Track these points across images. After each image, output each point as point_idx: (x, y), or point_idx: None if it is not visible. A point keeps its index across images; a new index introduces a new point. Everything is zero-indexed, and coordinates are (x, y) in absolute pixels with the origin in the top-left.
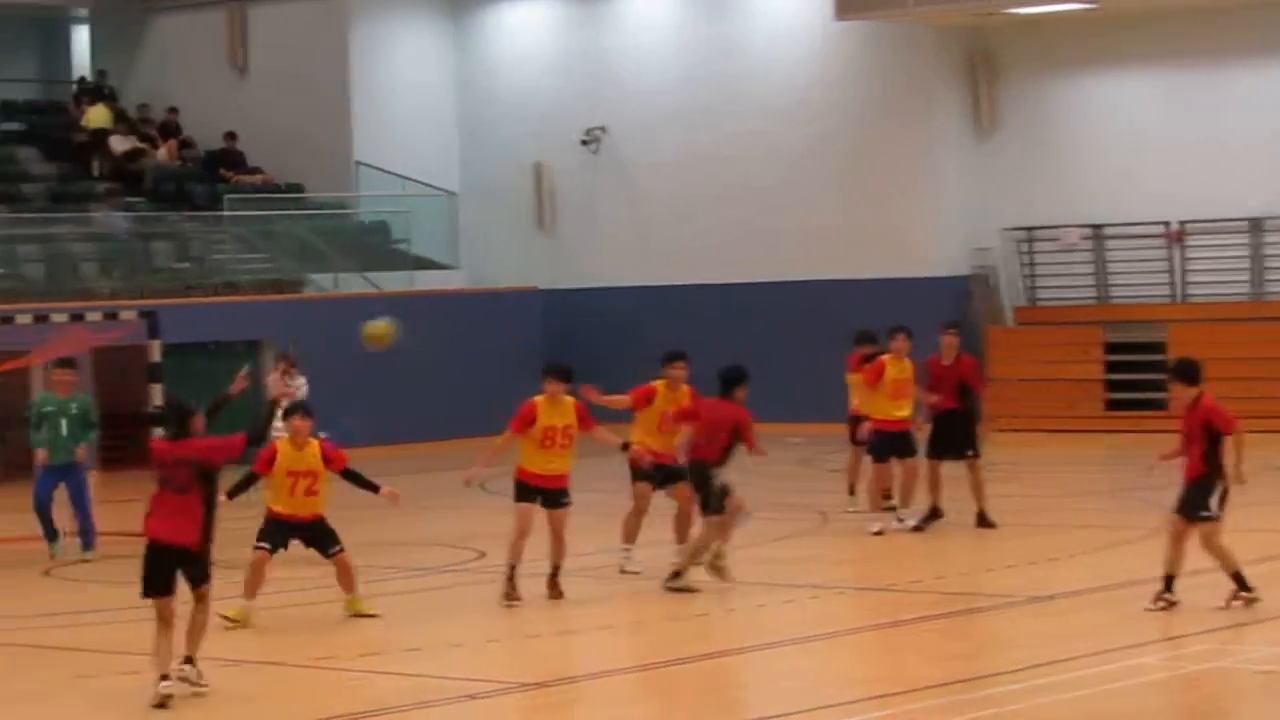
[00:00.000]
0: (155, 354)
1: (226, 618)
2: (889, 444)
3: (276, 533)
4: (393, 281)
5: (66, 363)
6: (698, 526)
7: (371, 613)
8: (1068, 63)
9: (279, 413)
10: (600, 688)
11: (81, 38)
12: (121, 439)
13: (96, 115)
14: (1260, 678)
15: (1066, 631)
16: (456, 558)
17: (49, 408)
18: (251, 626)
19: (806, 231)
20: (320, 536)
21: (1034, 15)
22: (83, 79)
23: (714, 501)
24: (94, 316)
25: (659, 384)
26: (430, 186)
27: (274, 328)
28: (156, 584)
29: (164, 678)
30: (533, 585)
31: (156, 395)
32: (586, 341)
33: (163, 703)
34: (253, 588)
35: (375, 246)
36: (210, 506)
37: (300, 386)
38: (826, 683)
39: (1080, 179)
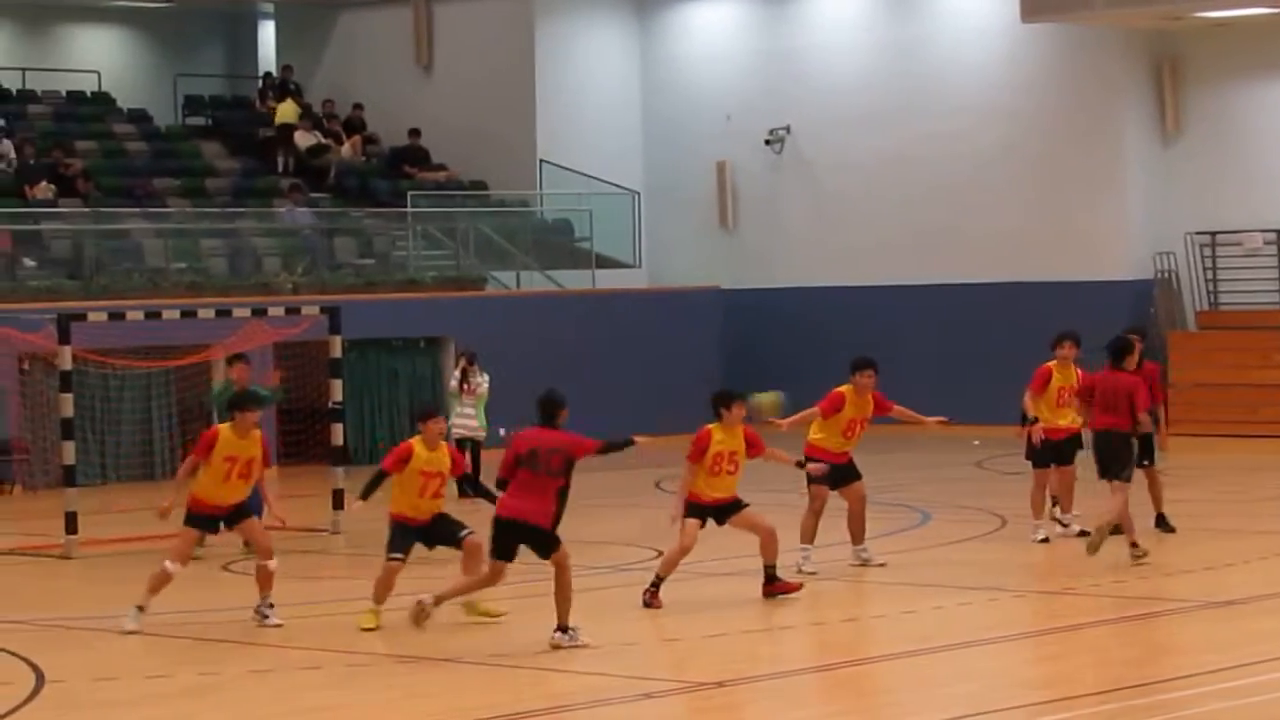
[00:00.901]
0: (337, 349)
1: (365, 629)
2: (1052, 451)
3: (403, 539)
4: (574, 280)
5: (240, 357)
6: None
7: (499, 614)
8: (1254, 67)
9: None
10: (775, 688)
11: (268, 33)
12: (302, 434)
13: (283, 111)
14: None
15: (1242, 637)
16: (634, 556)
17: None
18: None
19: (990, 234)
20: (445, 530)
21: (1220, 19)
22: (268, 74)
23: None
24: (276, 312)
25: (847, 390)
26: (613, 185)
27: (456, 325)
28: (502, 552)
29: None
30: (717, 585)
31: (337, 391)
32: (767, 342)
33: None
34: (382, 596)
35: (557, 245)
36: (565, 492)
37: (481, 384)
38: (1000, 686)
39: (1265, 183)
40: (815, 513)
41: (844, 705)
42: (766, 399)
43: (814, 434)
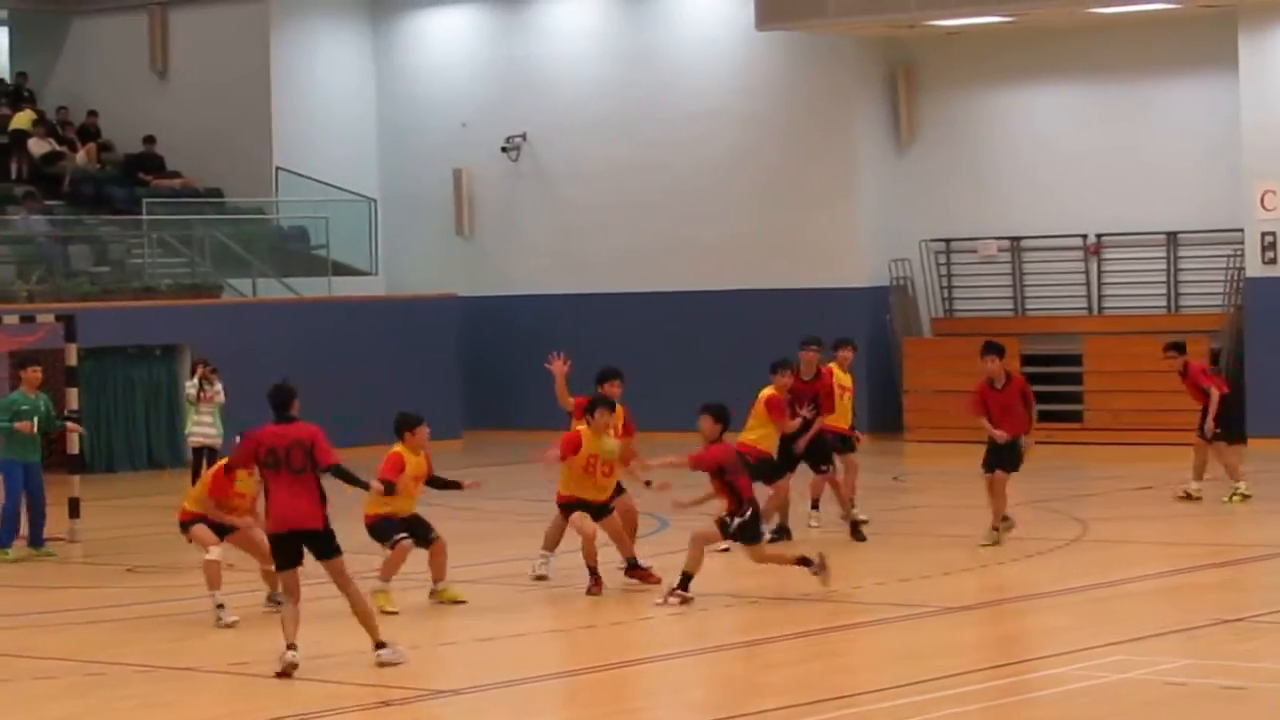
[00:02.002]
0: (73, 358)
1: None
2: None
3: (397, 527)
4: (311, 287)
5: (36, 361)
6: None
7: (462, 598)
8: (987, 76)
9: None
10: (509, 695)
11: (0, 40)
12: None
13: (19, 118)
14: (1171, 689)
15: (929, 648)
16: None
17: (24, 406)
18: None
19: (726, 241)
20: (419, 529)
21: (953, 28)
22: (2, 81)
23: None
24: (11, 320)
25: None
26: (350, 192)
27: (192, 332)
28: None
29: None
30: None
31: (74, 399)
32: (504, 349)
33: None
34: (390, 574)
35: (294, 252)
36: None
37: (219, 392)
38: (713, 694)
39: (999, 192)
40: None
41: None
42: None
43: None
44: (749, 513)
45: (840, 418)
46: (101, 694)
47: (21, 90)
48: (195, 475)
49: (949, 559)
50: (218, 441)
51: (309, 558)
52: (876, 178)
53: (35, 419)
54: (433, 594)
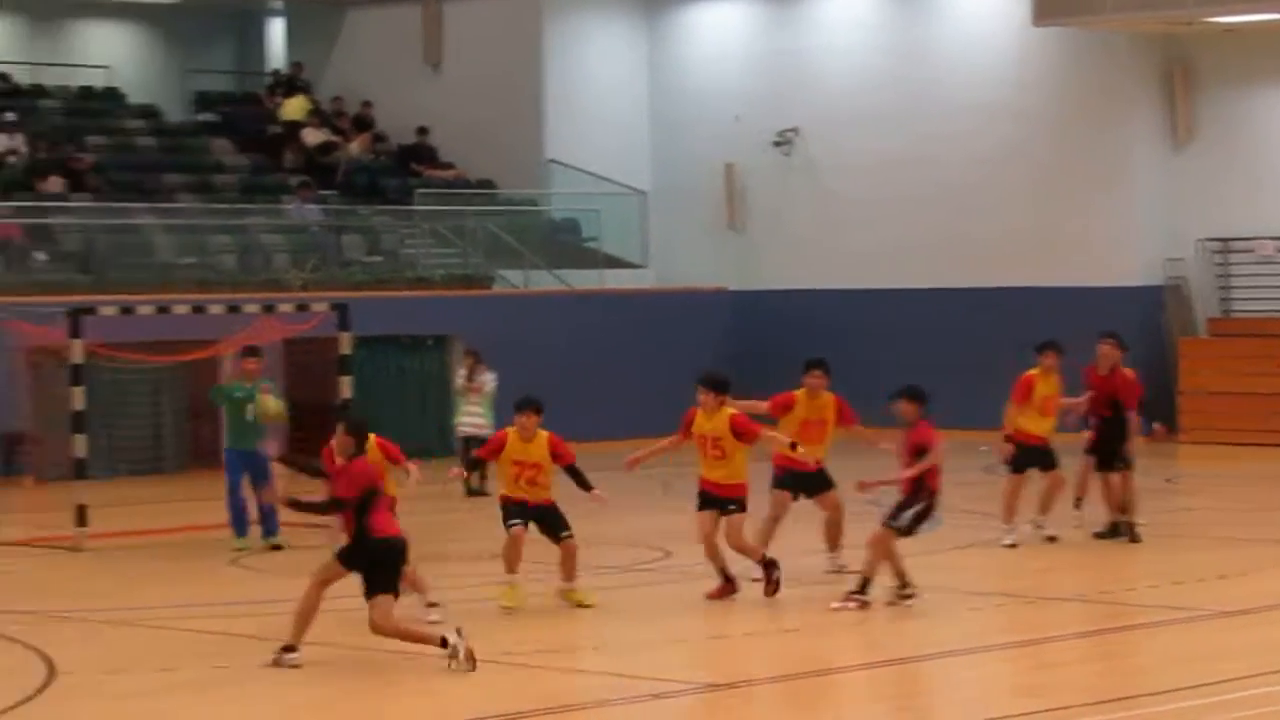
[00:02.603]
0: (346, 346)
1: (505, 607)
2: (1029, 457)
3: (519, 513)
4: (582, 279)
5: (253, 350)
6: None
7: (589, 603)
8: (1265, 72)
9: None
10: (780, 691)
11: (277, 30)
12: (310, 431)
13: (292, 108)
14: None
15: (1254, 646)
16: (641, 557)
17: (238, 394)
18: (520, 603)
19: (998, 238)
20: (552, 521)
21: (1231, 24)
22: (277, 71)
23: None
24: (285, 308)
25: (799, 393)
26: (621, 185)
27: (464, 323)
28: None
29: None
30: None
31: (346, 388)
32: (773, 342)
33: None
34: (512, 563)
35: (565, 244)
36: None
37: (487, 382)
38: (988, 694)
39: (1276, 190)
40: (774, 519)
41: (843, 710)
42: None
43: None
44: (923, 505)
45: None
46: (371, 679)
47: (296, 80)
48: (464, 464)
49: (1223, 562)
50: (486, 431)
51: None
52: (1151, 176)
53: (248, 407)
54: (561, 593)
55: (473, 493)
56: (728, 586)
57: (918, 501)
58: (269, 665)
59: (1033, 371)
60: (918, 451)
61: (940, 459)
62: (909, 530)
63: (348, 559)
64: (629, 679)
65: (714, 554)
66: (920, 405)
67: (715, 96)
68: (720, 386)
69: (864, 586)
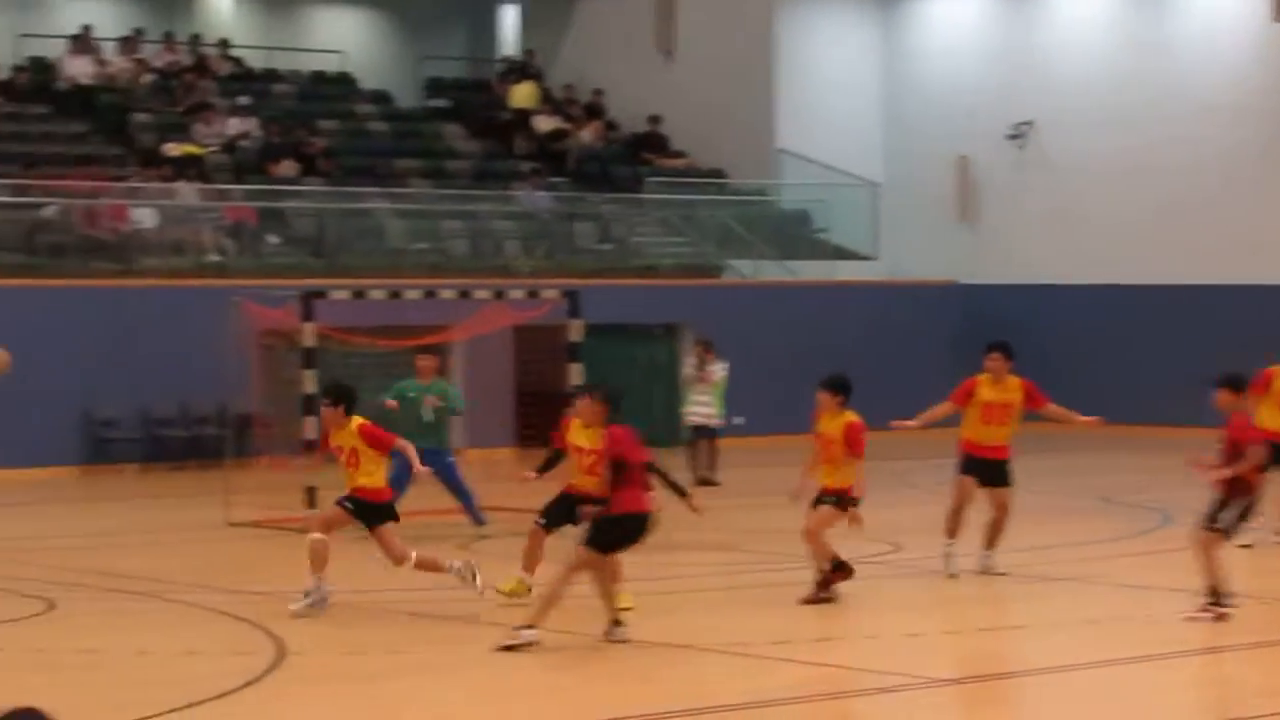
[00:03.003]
0: (576, 333)
1: (501, 592)
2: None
3: (560, 509)
4: (811, 270)
5: (429, 350)
6: None
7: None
8: None
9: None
10: (1015, 687)
11: (510, 17)
12: (539, 418)
13: (521, 94)
14: None
15: None
16: (872, 550)
17: (411, 394)
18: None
19: (1234, 236)
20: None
21: None
22: (509, 58)
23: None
24: (516, 294)
25: (981, 377)
26: (852, 176)
27: (692, 312)
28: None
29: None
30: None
31: (575, 375)
32: (1001, 337)
33: None
34: (532, 562)
35: (795, 234)
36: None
37: (717, 371)
38: (1234, 694)
39: None
40: (957, 508)
41: (1085, 707)
42: None
43: (962, 429)
44: (1245, 504)
45: None
46: (597, 667)
47: (528, 67)
48: (693, 453)
49: None
50: (715, 421)
51: None
52: None
53: (426, 404)
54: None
55: (703, 482)
56: (838, 575)
57: (1238, 500)
58: (501, 648)
59: (1272, 367)
60: (1236, 447)
61: (1260, 456)
62: (1231, 531)
63: (603, 539)
64: (859, 672)
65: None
66: (1239, 394)
67: (948, 88)
68: (842, 389)
69: (1216, 597)
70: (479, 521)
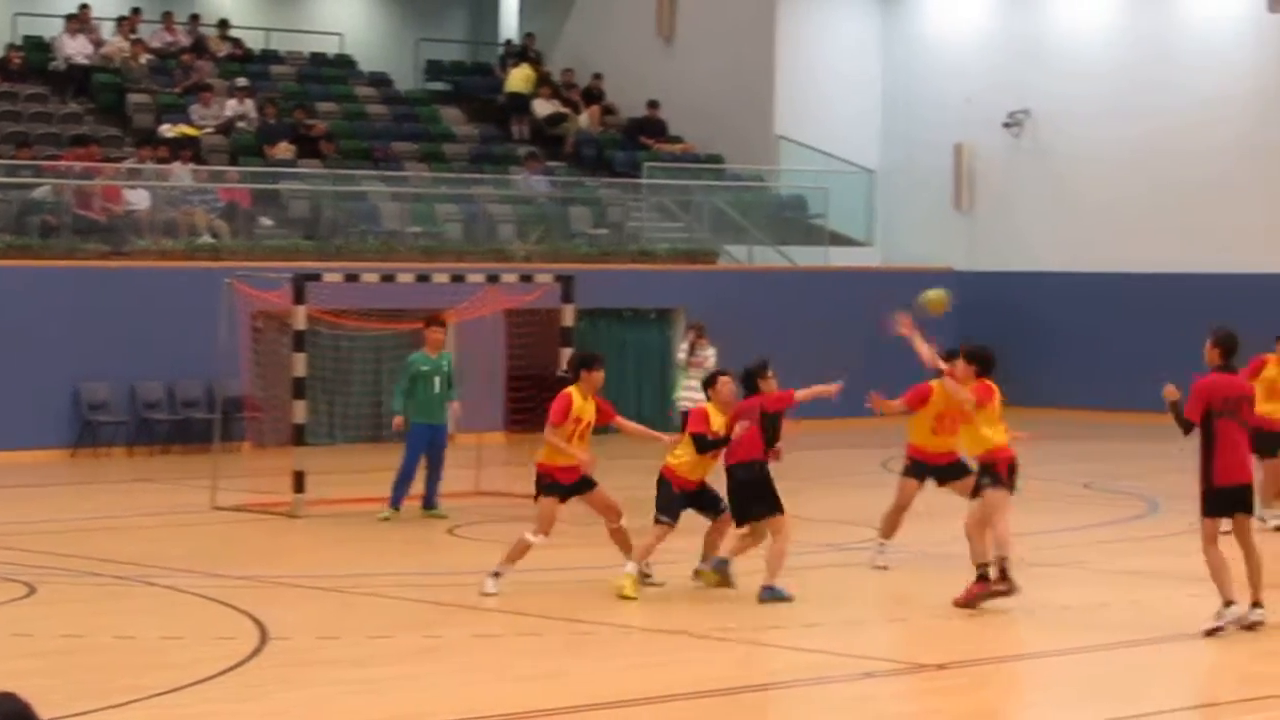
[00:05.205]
0: (569, 318)
1: (625, 597)
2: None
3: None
4: (807, 257)
5: (439, 320)
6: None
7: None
8: None
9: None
10: (997, 673)
11: (510, 1)
12: (530, 401)
13: (518, 78)
14: None
15: None
16: (859, 536)
17: (425, 367)
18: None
19: (1229, 226)
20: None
21: None
22: (509, 42)
23: None
24: (509, 278)
25: (934, 384)
26: (850, 163)
27: (688, 297)
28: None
29: None
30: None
31: (566, 360)
32: (997, 326)
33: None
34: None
35: (791, 221)
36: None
37: (709, 357)
38: (1224, 679)
39: None
40: (900, 508)
41: (1071, 691)
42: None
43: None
44: None
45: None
46: (589, 653)
47: (528, 51)
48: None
49: None
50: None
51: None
52: None
53: (436, 380)
54: (697, 574)
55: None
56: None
57: None
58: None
59: (1268, 355)
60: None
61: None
62: None
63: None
64: (844, 657)
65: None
66: (1223, 353)
67: (946, 77)
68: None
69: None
70: (434, 506)
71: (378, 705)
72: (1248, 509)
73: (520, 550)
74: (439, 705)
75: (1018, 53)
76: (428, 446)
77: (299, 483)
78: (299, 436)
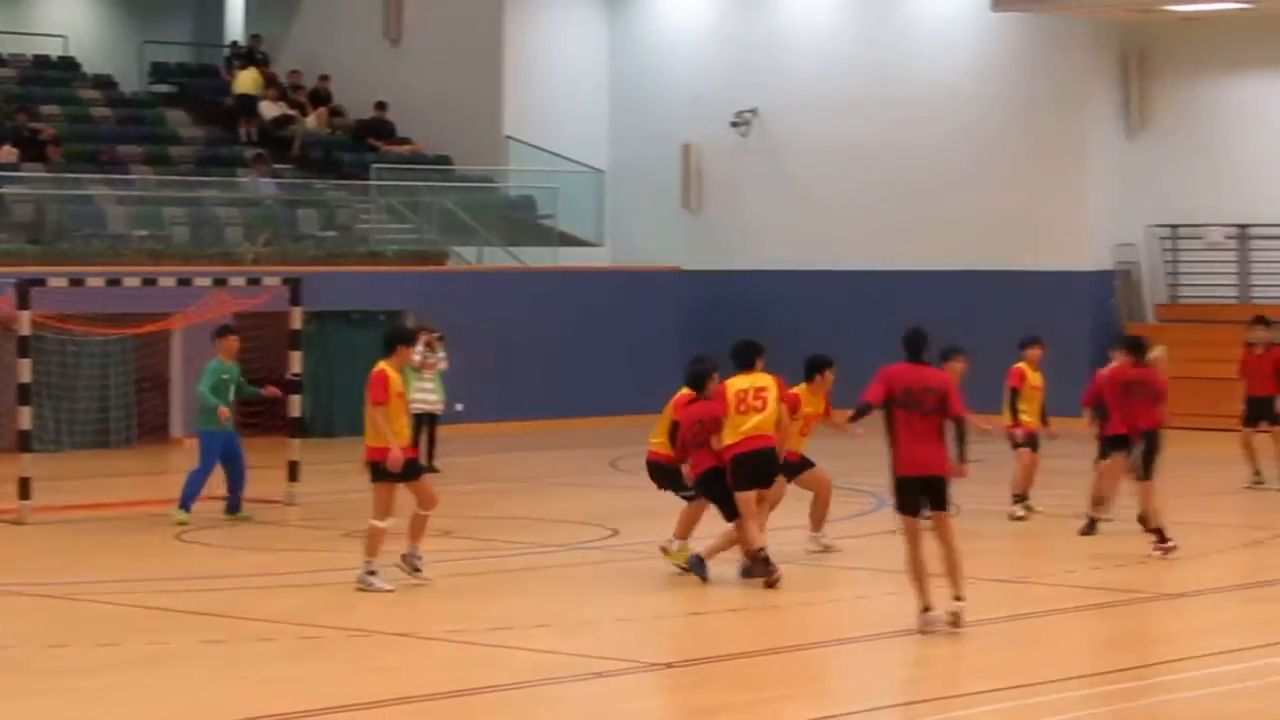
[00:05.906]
0: (297, 321)
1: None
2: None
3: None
4: (537, 257)
5: (229, 330)
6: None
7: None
8: (1221, 62)
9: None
10: (726, 670)
11: (236, 2)
12: (260, 406)
13: (246, 80)
14: None
15: (1194, 630)
16: (590, 535)
17: (225, 375)
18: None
19: (953, 222)
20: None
21: (1189, 13)
22: (235, 43)
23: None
24: (237, 281)
25: (802, 389)
26: (579, 163)
27: (416, 299)
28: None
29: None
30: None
31: (296, 363)
32: (727, 323)
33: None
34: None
35: (521, 221)
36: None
37: (442, 359)
38: (957, 673)
39: (1227, 179)
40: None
41: (791, 689)
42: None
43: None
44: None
45: (1032, 415)
46: (318, 657)
47: (255, 53)
48: (415, 440)
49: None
50: (439, 407)
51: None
52: (1106, 162)
53: (231, 387)
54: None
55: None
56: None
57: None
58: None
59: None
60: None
61: None
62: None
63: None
64: (574, 657)
65: None
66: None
67: (674, 76)
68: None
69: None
70: (239, 509)
71: (98, 714)
72: (940, 503)
73: (376, 538)
74: (165, 713)
75: (746, 52)
76: (223, 451)
77: (25, 489)
78: (25, 443)
